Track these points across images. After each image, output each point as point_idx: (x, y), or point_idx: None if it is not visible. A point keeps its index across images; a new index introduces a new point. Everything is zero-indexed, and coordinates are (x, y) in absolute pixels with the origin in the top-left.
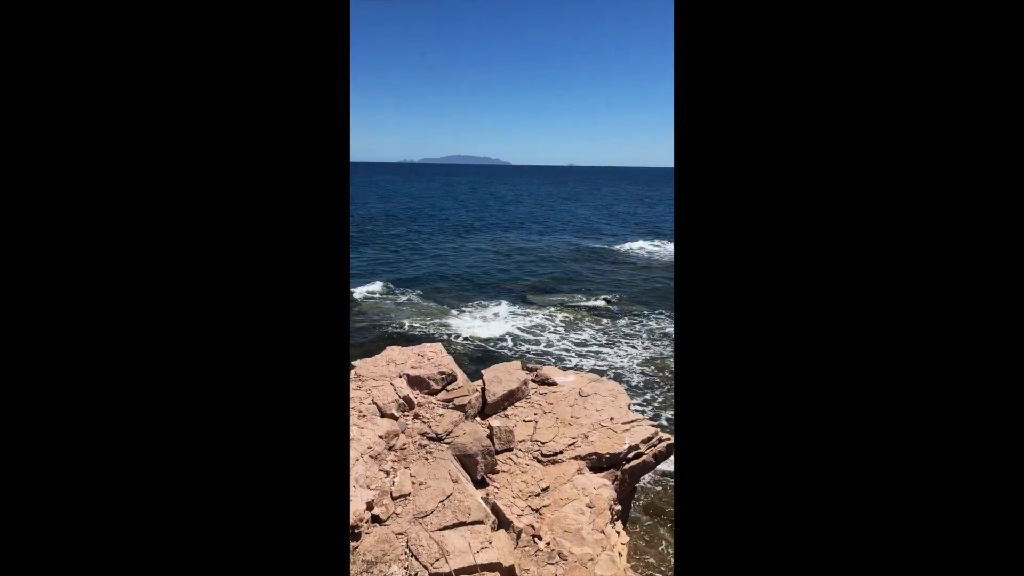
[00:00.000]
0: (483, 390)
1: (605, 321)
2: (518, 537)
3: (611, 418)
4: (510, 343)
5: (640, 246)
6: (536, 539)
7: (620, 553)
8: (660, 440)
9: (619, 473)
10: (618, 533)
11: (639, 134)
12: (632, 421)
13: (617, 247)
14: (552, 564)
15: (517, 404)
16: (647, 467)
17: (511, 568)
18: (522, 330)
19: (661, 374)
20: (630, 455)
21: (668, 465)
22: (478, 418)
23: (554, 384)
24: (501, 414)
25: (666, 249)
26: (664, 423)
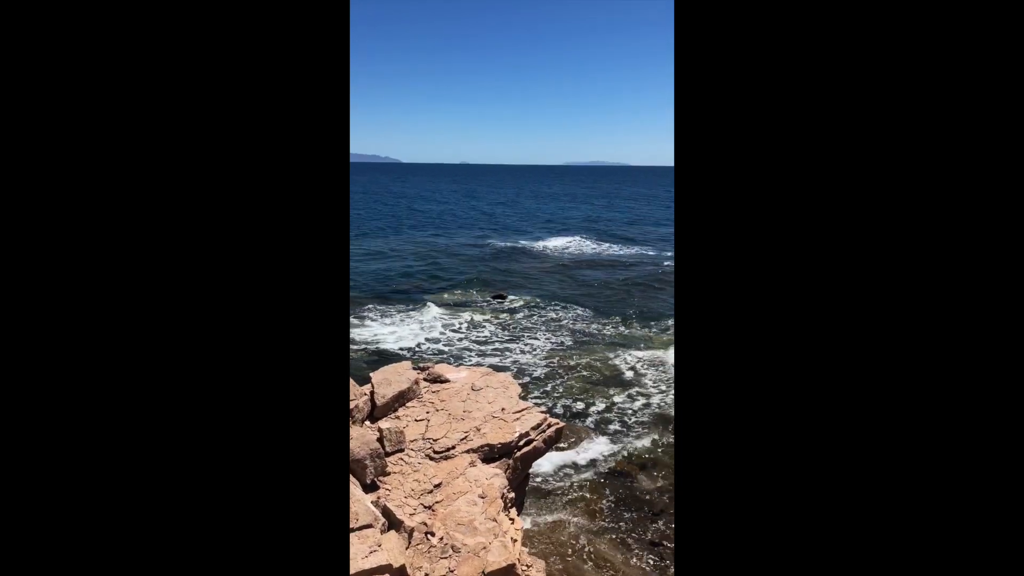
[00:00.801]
0: (372, 393)
1: (504, 316)
2: (410, 536)
3: (502, 409)
4: (410, 345)
5: (546, 243)
6: (429, 536)
7: (514, 539)
8: (549, 425)
9: (511, 461)
10: (512, 520)
11: (533, 131)
12: (522, 410)
13: (524, 244)
14: (446, 558)
15: (409, 404)
16: (538, 452)
17: (402, 568)
18: (423, 331)
19: (563, 364)
20: (521, 443)
21: (570, 455)
22: (367, 422)
23: (446, 381)
24: (392, 416)
25: (567, 242)
26: (560, 410)
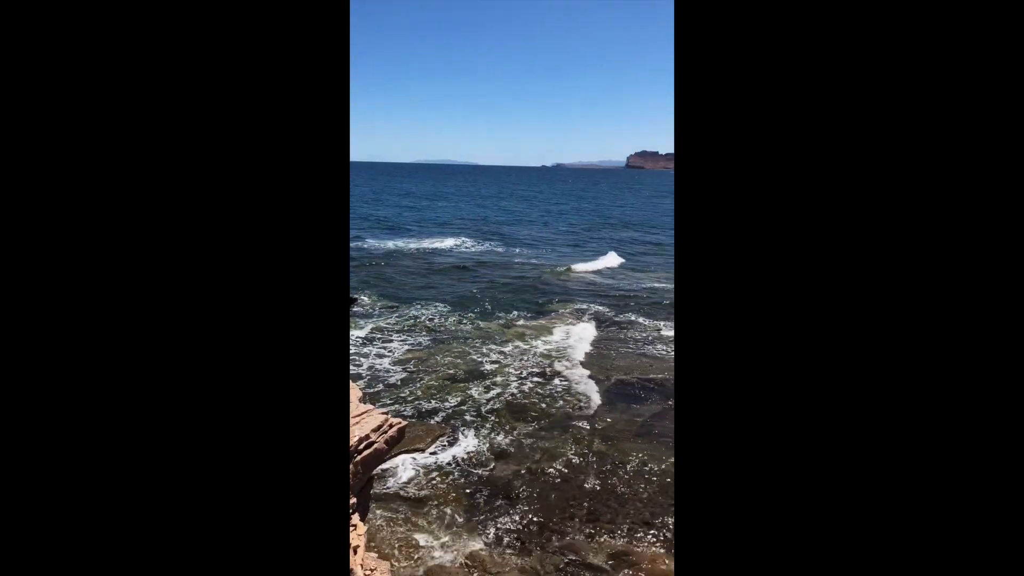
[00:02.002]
0: None
1: (355, 320)
2: None
3: None
4: None
5: (423, 244)
6: None
7: (355, 548)
8: (391, 426)
9: (352, 467)
10: (353, 526)
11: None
12: (362, 413)
13: (398, 245)
14: None
15: None
16: (380, 454)
17: None
18: None
19: (419, 365)
20: (361, 446)
21: (423, 453)
22: None
23: None
24: None
25: (452, 243)
26: (409, 411)
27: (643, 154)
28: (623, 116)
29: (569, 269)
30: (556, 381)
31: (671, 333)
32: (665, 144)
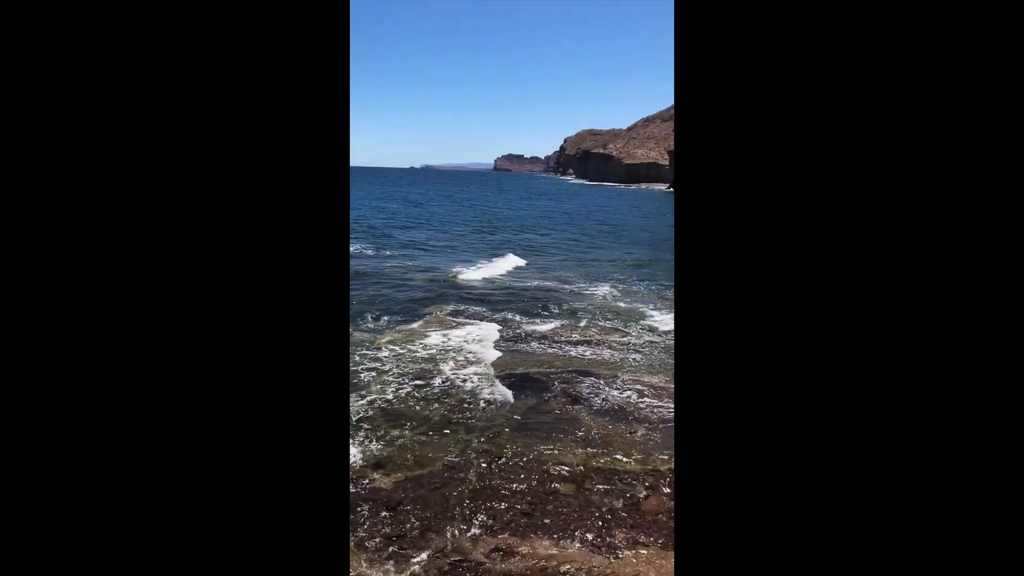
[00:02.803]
0: None
1: None
2: None
3: None
4: None
5: None
6: None
7: None
8: None
9: None
10: None
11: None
12: None
13: None
14: None
15: None
16: None
17: None
18: None
19: None
20: None
21: None
22: None
23: None
24: None
25: None
26: None
27: (509, 157)
28: (490, 121)
29: (456, 274)
30: (436, 382)
31: (548, 328)
32: (529, 148)
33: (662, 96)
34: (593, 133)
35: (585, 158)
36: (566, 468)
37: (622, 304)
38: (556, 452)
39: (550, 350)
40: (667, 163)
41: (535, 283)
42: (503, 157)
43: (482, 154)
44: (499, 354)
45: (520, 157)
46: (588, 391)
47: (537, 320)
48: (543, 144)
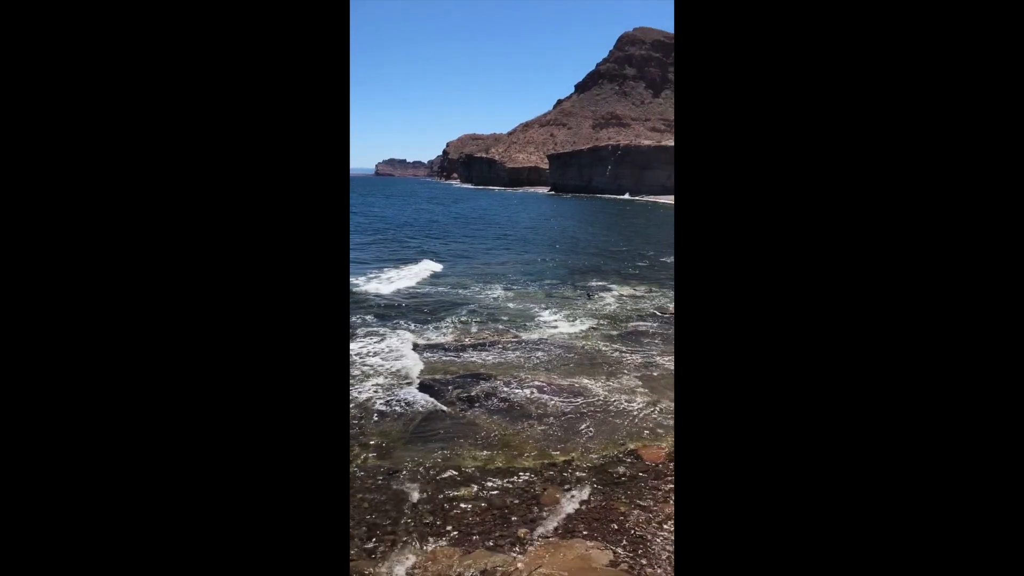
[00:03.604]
0: None
1: None
2: None
3: None
4: None
5: None
6: None
7: None
8: None
9: None
10: None
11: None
12: None
13: None
14: None
15: None
16: None
17: None
18: None
19: None
20: None
21: None
22: None
23: None
24: None
25: None
26: None
27: (391, 162)
28: (370, 124)
29: (377, 279)
30: None
31: (445, 335)
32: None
33: (539, 102)
34: (475, 137)
35: (469, 162)
36: (466, 472)
37: (511, 305)
38: (454, 458)
39: (445, 357)
40: (547, 167)
41: (436, 290)
42: (384, 162)
43: (362, 159)
44: (399, 365)
45: (403, 161)
46: (484, 394)
47: (430, 328)
48: (425, 149)
